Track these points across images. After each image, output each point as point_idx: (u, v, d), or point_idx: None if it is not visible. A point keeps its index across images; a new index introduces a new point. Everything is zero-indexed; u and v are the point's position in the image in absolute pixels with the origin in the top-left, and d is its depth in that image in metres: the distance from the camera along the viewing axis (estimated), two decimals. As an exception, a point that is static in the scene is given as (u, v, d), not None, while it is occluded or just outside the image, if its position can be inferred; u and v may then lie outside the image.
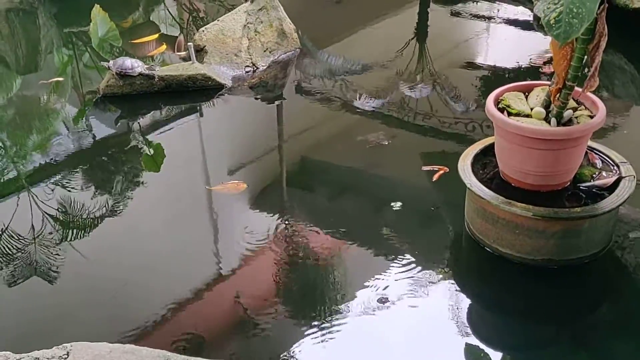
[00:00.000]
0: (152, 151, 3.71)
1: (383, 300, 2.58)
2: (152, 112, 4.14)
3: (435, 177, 3.29)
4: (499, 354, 2.39)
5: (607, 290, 2.72)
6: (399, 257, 2.83)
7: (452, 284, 2.72)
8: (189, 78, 4.12)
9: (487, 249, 2.78)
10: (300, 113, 4.19)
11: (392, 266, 2.78)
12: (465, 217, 2.91)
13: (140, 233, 3.11)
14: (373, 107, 4.05)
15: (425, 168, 3.36)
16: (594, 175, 2.73)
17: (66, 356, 1.98)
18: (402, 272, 2.74)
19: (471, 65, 4.66)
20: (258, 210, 3.21)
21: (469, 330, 2.47)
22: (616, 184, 2.65)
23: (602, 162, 2.81)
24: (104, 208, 3.24)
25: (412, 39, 5.04)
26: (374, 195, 3.34)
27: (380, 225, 3.05)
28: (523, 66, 4.49)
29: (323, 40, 5.01)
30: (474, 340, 2.43)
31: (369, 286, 2.65)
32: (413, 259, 2.82)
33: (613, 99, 4.18)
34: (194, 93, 4.17)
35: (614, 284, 2.75)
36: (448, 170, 3.27)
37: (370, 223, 3.09)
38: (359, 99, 4.12)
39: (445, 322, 2.51)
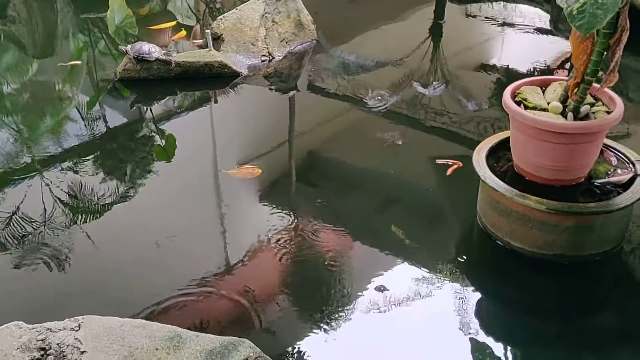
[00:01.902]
0: (164, 141, 3.71)
1: (391, 295, 2.57)
2: (166, 99, 4.16)
3: (449, 172, 3.28)
4: (507, 349, 2.38)
5: (616, 289, 2.71)
6: (410, 251, 2.84)
7: (463, 278, 2.71)
8: (206, 65, 4.14)
9: (499, 242, 2.78)
10: (313, 107, 4.19)
11: (402, 261, 2.78)
12: (478, 210, 2.90)
13: (150, 221, 3.10)
14: (385, 105, 4.04)
15: (439, 161, 3.35)
16: (608, 172, 2.72)
17: (77, 328, 1.98)
18: (412, 266, 2.75)
19: (485, 67, 4.65)
20: (267, 204, 3.20)
21: (477, 324, 2.47)
22: (631, 181, 2.64)
23: (618, 159, 2.81)
24: (115, 194, 3.26)
25: (427, 38, 5.04)
26: (386, 192, 3.32)
27: (392, 221, 3.04)
28: (538, 68, 4.48)
29: (337, 37, 5.02)
30: (482, 336, 2.42)
31: (377, 282, 2.65)
32: (424, 254, 2.82)
33: (629, 103, 4.17)
34: (209, 80, 4.18)
35: (624, 283, 2.74)
36: (462, 165, 3.27)
37: (381, 219, 3.09)
38: (371, 96, 4.12)
39: (454, 317, 2.50)
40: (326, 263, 2.76)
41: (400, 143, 3.60)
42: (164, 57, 4.04)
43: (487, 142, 2.93)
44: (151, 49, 3.97)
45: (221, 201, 3.25)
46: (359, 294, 2.59)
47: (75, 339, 1.93)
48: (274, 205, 3.16)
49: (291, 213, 3.10)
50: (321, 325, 2.43)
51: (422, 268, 2.73)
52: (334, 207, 3.15)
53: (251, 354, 1.82)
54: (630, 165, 2.75)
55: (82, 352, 1.87)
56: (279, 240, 2.90)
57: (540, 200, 2.57)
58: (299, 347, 2.33)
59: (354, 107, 4.09)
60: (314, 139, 3.84)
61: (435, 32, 5.22)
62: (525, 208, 2.61)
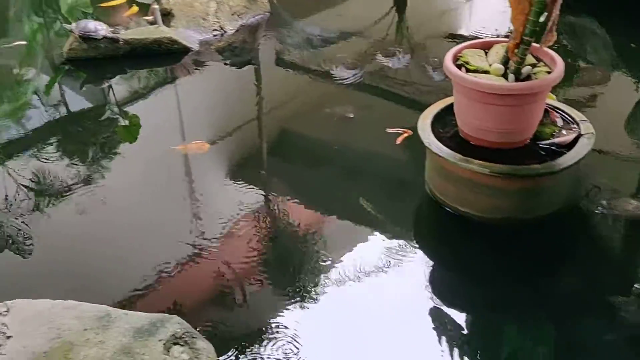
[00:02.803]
0: (127, 122, 3.63)
1: (356, 268, 2.54)
2: (128, 79, 4.06)
3: (398, 141, 3.25)
4: (461, 314, 2.36)
5: (567, 249, 2.70)
6: (369, 223, 2.82)
7: (415, 246, 2.69)
8: (155, 41, 4.05)
9: (448, 208, 2.75)
10: (278, 82, 4.11)
11: (363, 233, 2.78)
12: (426, 177, 2.88)
13: (117, 202, 3.02)
14: (351, 77, 3.98)
15: (389, 130, 3.31)
16: (554, 134, 2.70)
17: (6, 312, 1.94)
18: (372, 238, 2.74)
19: (452, 36, 4.60)
20: (239, 181, 3.14)
21: (431, 291, 2.46)
22: (575, 141, 2.63)
23: (563, 120, 2.78)
24: (79, 178, 3.17)
25: (392, 8, 4.97)
26: (348, 164, 3.28)
27: (352, 194, 3.01)
28: (503, 36, 4.43)
29: (296, 9, 4.93)
30: (437, 301, 2.41)
31: (343, 254, 2.62)
32: (380, 225, 2.81)
33: (587, 65, 4.16)
34: (160, 57, 4.10)
35: (575, 244, 2.73)
36: (412, 133, 3.23)
37: (343, 192, 3.05)
38: (337, 68, 4.06)
39: (409, 285, 2.49)
40: (299, 237, 2.74)
41: (357, 116, 3.55)
42: (111, 35, 3.94)
43: (433, 108, 2.89)
44: (97, 27, 3.87)
45: (191, 180, 3.19)
46: (328, 268, 2.55)
47: (2, 324, 1.88)
48: (245, 183, 3.11)
49: (262, 189, 3.06)
50: (296, 298, 2.40)
51: (379, 238, 2.72)
52: (304, 182, 3.12)
53: (178, 330, 1.79)
54: (575, 126, 2.73)
55: (8, 337, 1.83)
56: (251, 217, 2.86)
57: (484, 164, 2.54)
58: (276, 322, 2.30)
59: (320, 81, 4.03)
60: (282, 114, 3.77)
61: (400, 1, 5.15)
62: (470, 173, 2.58)
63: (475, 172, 2.57)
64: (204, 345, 1.81)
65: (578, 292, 2.46)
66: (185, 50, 4.13)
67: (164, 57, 4.11)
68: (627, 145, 3.30)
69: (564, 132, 2.71)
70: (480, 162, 2.55)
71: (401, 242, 2.70)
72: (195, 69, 4.13)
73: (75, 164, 3.26)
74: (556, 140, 2.65)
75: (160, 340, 1.74)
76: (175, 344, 1.76)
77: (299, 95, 3.96)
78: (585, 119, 2.75)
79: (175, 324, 1.82)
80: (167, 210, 2.94)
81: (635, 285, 2.36)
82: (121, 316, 1.87)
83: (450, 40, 4.53)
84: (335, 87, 3.92)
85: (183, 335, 1.79)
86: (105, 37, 3.94)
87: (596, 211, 2.72)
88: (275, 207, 2.97)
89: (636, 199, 2.76)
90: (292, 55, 4.36)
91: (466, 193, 2.65)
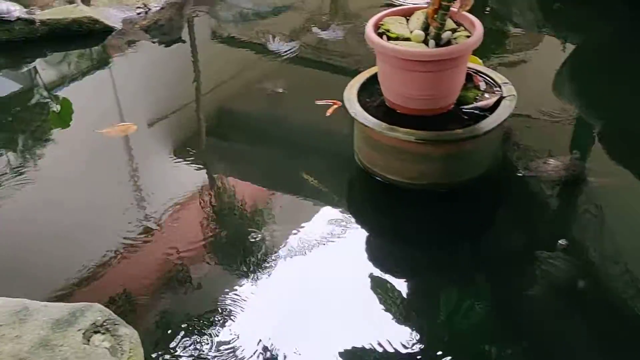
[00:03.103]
0: (58, 107, 3.49)
1: (299, 241, 2.54)
2: (52, 62, 3.90)
3: (329, 112, 3.23)
4: (401, 280, 2.38)
5: (494, 211, 2.75)
6: (309, 196, 2.82)
7: (352, 217, 2.69)
8: (74, 21, 3.90)
9: (377, 177, 2.77)
10: (213, 59, 4.03)
11: (304, 206, 2.78)
12: (355, 147, 2.88)
13: (55, 191, 2.92)
14: (288, 51, 3.93)
15: (319, 102, 3.29)
16: (477, 98, 2.73)
17: None
18: (312, 211, 2.73)
19: (388, 6, 4.57)
20: (180, 163, 3.08)
21: (371, 260, 2.48)
22: (497, 104, 2.66)
23: (487, 84, 2.81)
24: (9, 167, 3.04)
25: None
26: (286, 139, 3.26)
27: (292, 168, 3.00)
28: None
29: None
30: (373, 268, 2.42)
31: (286, 228, 2.61)
32: (318, 198, 2.81)
33: (515, 28, 4.21)
34: (81, 38, 3.95)
35: (501, 205, 2.79)
36: (341, 104, 3.22)
37: (283, 167, 3.04)
38: (273, 42, 3.99)
39: (351, 255, 2.50)
40: (245, 215, 2.70)
41: (293, 90, 3.51)
42: (26, 16, 3.77)
43: (359, 78, 2.88)
44: (10, 8, 3.69)
45: (131, 164, 3.10)
46: (274, 244, 2.54)
47: None
48: (187, 164, 3.05)
49: (205, 170, 3.01)
50: (248, 276, 2.38)
51: (318, 210, 2.72)
52: (245, 159, 3.08)
53: (99, 318, 1.75)
54: (498, 89, 2.76)
55: None
56: (196, 198, 2.81)
57: (409, 131, 2.55)
58: (228, 300, 2.27)
59: (256, 56, 3.97)
60: (219, 91, 3.70)
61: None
62: (396, 141, 2.59)
63: (401, 140, 2.58)
64: (127, 331, 1.77)
65: (507, 250, 2.52)
66: (108, 29, 4.00)
67: (85, 38, 3.96)
68: (555, 107, 3.36)
69: (487, 95, 2.74)
70: (405, 129, 2.56)
71: (338, 213, 2.71)
72: (123, 49, 4.00)
73: (2, 153, 3.13)
74: (479, 104, 2.68)
75: (79, 330, 1.70)
76: (96, 332, 1.72)
77: (235, 72, 3.88)
78: (508, 81, 2.79)
79: (97, 312, 1.77)
80: (105, 196, 2.86)
81: (559, 241, 2.42)
82: (40, 309, 1.82)
83: (386, 8, 4.50)
84: (272, 61, 3.87)
85: (104, 323, 1.75)
86: (19, 19, 3.77)
87: (520, 173, 2.78)
88: (218, 186, 2.93)
89: (556, 159, 2.82)
90: (225, 31, 4.28)
91: (393, 161, 2.67)
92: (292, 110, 3.43)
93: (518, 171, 2.78)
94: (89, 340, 1.68)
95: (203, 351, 2.07)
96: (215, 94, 3.69)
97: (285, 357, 2.05)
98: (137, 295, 2.33)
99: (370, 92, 2.83)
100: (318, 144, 3.19)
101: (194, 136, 3.37)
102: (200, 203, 2.80)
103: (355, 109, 2.70)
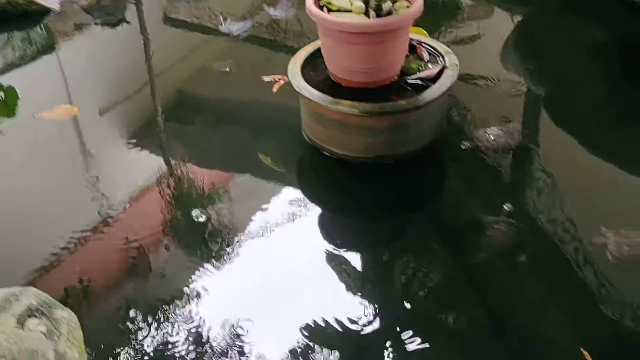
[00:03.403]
0: (3, 94, 3.37)
1: (260, 223, 2.52)
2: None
3: (275, 88, 3.20)
4: (356, 253, 2.40)
5: (440, 180, 2.77)
6: (265, 177, 2.82)
7: (304, 194, 2.68)
8: (8, 3, 3.77)
9: (325, 152, 2.76)
10: (163, 41, 3.95)
11: (261, 187, 2.78)
12: (302, 122, 2.86)
13: (6, 181, 2.85)
14: (240, 30, 3.88)
15: (265, 78, 3.26)
16: (420, 68, 2.73)
17: None
18: (268, 191, 2.72)
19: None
20: (135, 148, 3.02)
21: (325, 236, 2.48)
22: (440, 74, 2.67)
23: (430, 54, 2.82)
24: None
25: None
26: (242, 119, 3.21)
27: (248, 149, 2.98)
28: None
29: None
30: (332, 245, 2.42)
31: (248, 211, 2.58)
32: (272, 177, 2.81)
33: (471, 2, 4.22)
34: (16, 20, 3.81)
35: (448, 174, 2.81)
36: (288, 79, 3.19)
37: (240, 148, 3.00)
38: (225, 23, 3.93)
39: (307, 233, 2.49)
40: (204, 198, 2.67)
41: (246, 69, 3.47)
42: (-49, -2, 3.64)
43: (304, 51, 2.86)
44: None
45: (86, 151, 3.02)
46: (238, 222, 2.53)
47: None
48: (142, 149, 3.00)
49: (162, 154, 2.96)
50: (210, 261, 2.35)
51: (274, 190, 2.72)
52: (202, 142, 3.04)
53: (34, 302, 1.70)
54: (441, 59, 2.77)
55: None
56: (155, 184, 2.75)
57: (352, 104, 2.54)
58: (191, 286, 2.24)
59: (208, 37, 3.90)
60: (175, 74, 3.62)
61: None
62: (340, 114, 2.58)
63: (345, 114, 2.57)
64: (64, 314, 1.74)
65: (457, 218, 2.55)
66: (45, 10, 3.86)
67: (20, 20, 3.82)
68: (502, 77, 3.39)
69: (430, 65, 2.75)
70: (349, 102, 2.55)
71: (292, 191, 2.70)
72: (68, 31, 3.89)
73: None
74: (421, 74, 2.68)
75: (12, 315, 1.66)
76: (30, 316, 1.68)
77: (186, 53, 3.81)
78: (450, 51, 2.80)
79: (31, 296, 1.73)
80: (60, 184, 2.79)
81: (504, 206, 2.45)
82: (-27, 295, 1.77)
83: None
84: (223, 42, 3.82)
85: (39, 307, 1.71)
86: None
87: (464, 142, 2.79)
88: (176, 170, 2.87)
89: (499, 128, 2.85)
90: (175, 11, 4.19)
91: (339, 135, 2.66)
92: (243, 90, 3.39)
93: (463, 141, 2.80)
94: (22, 325, 1.64)
95: (169, 336, 2.05)
96: (168, 77, 3.62)
97: (247, 332, 2.06)
98: (95, 284, 2.28)
99: (314, 66, 2.82)
100: (269, 121, 3.16)
101: (148, 120, 3.30)
102: (158, 188, 2.75)
103: (299, 83, 2.68)
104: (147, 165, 2.91)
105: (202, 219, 2.55)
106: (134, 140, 3.08)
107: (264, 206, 2.61)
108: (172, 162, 2.94)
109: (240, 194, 2.75)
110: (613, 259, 2.27)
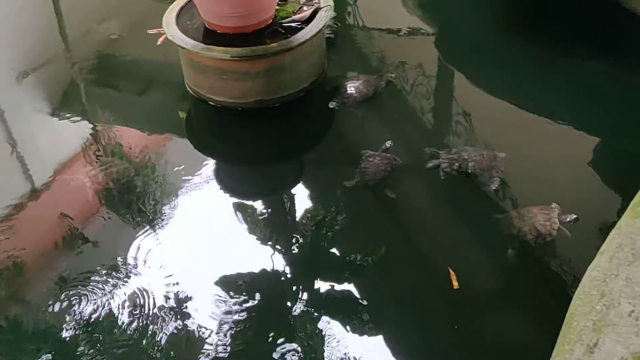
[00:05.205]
0: None
1: (174, 184, 2.51)
2: None
3: (160, 41, 3.15)
4: (256, 202, 2.43)
5: (323, 121, 2.78)
6: (177, 133, 2.79)
7: (193, 145, 2.70)
8: None
9: (210, 102, 2.75)
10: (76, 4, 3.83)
11: (176, 143, 2.76)
12: (183, 74, 2.84)
13: None
14: None
15: (150, 32, 3.20)
16: (295, 11, 2.73)
17: None
18: (177, 146, 2.72)
19: None
20: (60, 119, 2.94)
21: (221, 185, 2.51)
22: (314, 15, 2.67)
23: (306, -3, 2.82)
24: None
25: None
26: (132, 77, 3.18)
27: (136, 110, 2.94)
28: None
29: None
30: (227, 193, 2.47)
31: (167, 173, 2.56)
32: (176, 132, 2.79)
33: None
34: None
35: (330, 116, 2.77)
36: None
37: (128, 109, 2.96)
38: None
39: (211, 189, 2.50)
40: (134, 166, 2.61)
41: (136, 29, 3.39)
42: None
43: (179, 2, 2.82)
44: None
45: (5, 125, 2.93)
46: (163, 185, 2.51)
47: None
48: (66, 119, 2.91)
49: (87, 122, 2.88)
50: (147, 226, 2.31)
51: (180, 145, 2.72)
52: (124, 105, 2.98)
53: None
54: (316, 1, 2.77)
55: None
56: (82, 154, 2.67)
57: (225, 49, 2.53)
58: (131, 252, 2.21)
59: None
60: (91, 39, 3.48)
61: None
62: (215, 60, 2.57)
63: (219, 59, 2.56)
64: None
65: (344, 155, 2.58)
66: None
67: None
68: (406, 22, 3.45)
69: (305, 8, 2.75)
70: (222, 48, 2.54)
71: (183, 144, 2.70)
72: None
73: None
74: (295, 16, 2.68)
75: None
76: None
77: (104, 14, 3.68)
78: (325, -8, 2.80)
79: None
80: None
81: (386, 143, 2.49)
82: None
83: None
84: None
85: None
86: None
87: (332, 102, 2.76)
88: (104, 137, 2.80)
89: (357, 80, 2.85)
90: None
91: (216, 81, 2.65)
92: (130, 47, 3.33)
93: (330, 101, 2.77)
94: None
95: (112, 307, 2.02)
96: (83, 42, 3.51)
97: (178, 282, 2.08)
98: (28, 260, 2.23)
99: (191, 15, 2.78)
100: (153, 76, 3.13)
101: (68, 87, 3.19)
102: (85, 157, 2.68)
103: (174, 32, 2.65)
104: (73, 134, 2.80)
105: (134, 185, 2.51)
106: (55, 109, 2.99)
107: (179, 167, 2.58)
108: (99, 127, 2.84)
109: (163, 157, 2.68)
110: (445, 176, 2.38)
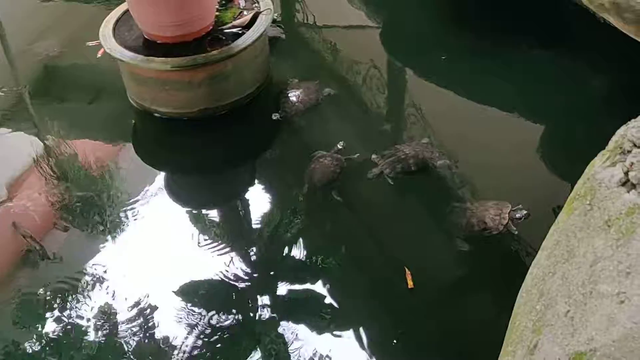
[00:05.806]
0: None
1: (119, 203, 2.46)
2: None
3: (100, 53, 3.07)
4: (212, 211, 2.45)
5: (271, 126, 2.74)
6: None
7: (143, 161, 2.67)
8: None
9: (155, 114, 2.69)
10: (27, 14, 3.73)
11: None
12: (125, 86, 2.77)
13: None
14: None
15: (90, 44, 3.12)
16: (235, 17, 2.69)
17: None
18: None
19: None
20: (10, 133, 2.87)
21: (180, 198, 2.49)
22: (254, 20, 2.63)
23: (246, 1, 2.77)
24: None
25: None
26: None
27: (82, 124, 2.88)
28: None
29: None
30: (188, 206, 2.44)
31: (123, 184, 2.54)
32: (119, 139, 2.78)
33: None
34: None
35: (275, 122, 2.74)
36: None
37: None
38: None
39: (170, 198, 2.47)
40: (91, 176, 2.57)
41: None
42: None
43: (116, 13, 2.75)
44: None
45: None
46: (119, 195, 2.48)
47: None
48: (18, 132, 2.85)
49: (38, 135, 2.81)
50: (103, 237, 2.29)
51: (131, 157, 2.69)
52: (77, 116, 2.92)
53: None
54: (256, 5, 2.73)
55: None
56: (35, 166, 2.62)
57: (164, 60, 2.48)
58: (88, 265, 2.19)
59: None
60: (37, 51, 3.35)
61: None
62: (155, 72, 2.52)
63: (160, 71, 2.51)
64: None
65: (293, 156, 2.58)
66: None
67: None
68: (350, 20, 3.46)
69: (245, 12, 2.71)
70: (161, 59, 2.49)
71: (134, 157, 2.66)
72: None
73: None
74: (235, 22, 2.64)
75: None
76: None
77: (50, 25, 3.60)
78: (265, -4, 2.77)
79: None
80: None
81: (337, 145, 2.49)
82: None
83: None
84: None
85: None
86: None
87: (274, 114, 2.71)
88: (57, 149, 2.73)
89: (297, 89, 2.81)
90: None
91: (159, 93, 2.60)
92: (70, 57, 3.26)
93: (273, 113, 2.72)
94: None
95: (73, 322, 2.00)
96: (29, 53, 3.39)
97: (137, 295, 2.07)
98: None
99: (129, 26, 2.72)
100: (95, 89, 3.05)
101: (15, 101, 3.09)
102: (40, 170, 2.61)
103: (111, 45, 2.58)
104: (23, 147, 2.72)
105: (92, 192, 2.47)
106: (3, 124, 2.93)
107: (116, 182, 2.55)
108: (51, 138, 2.78)
109: (117, 167, 2.66)
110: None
